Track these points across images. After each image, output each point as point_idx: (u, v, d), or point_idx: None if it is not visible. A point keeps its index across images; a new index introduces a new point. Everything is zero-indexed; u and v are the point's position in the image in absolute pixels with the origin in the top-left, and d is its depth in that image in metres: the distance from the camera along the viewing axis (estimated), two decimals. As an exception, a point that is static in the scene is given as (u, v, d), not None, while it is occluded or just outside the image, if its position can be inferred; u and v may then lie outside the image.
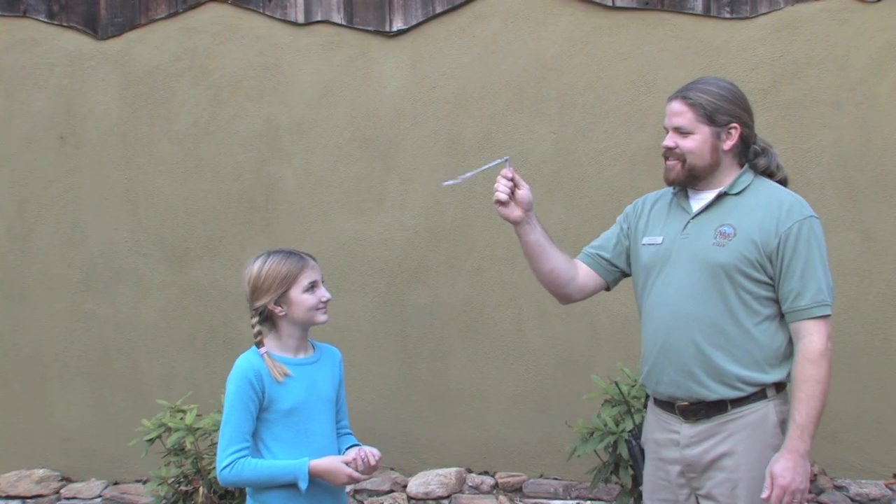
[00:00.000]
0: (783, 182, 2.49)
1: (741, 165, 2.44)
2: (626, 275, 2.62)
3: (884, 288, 3.91)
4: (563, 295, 2.59)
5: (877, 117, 3.90)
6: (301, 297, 2.36)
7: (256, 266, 2.39)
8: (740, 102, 2.41)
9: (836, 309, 3.82)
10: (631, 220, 2.59)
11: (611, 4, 4.09)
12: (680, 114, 2.39)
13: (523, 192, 2.46)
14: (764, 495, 2.26)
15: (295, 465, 2.30)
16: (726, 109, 2.37)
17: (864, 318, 3.92)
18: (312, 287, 2.38)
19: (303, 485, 2.29)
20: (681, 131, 2.39)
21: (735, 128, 2.39)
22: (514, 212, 2.46)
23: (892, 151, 3.90)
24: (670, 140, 2.41)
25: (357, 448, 2.44)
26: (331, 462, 2.33)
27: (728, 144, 2.39)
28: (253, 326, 2.39)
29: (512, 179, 2.45)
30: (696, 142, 2.37)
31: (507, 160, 2.48)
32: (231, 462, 2.29)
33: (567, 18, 4.14)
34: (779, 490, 2.24)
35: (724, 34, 4.01)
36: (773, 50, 3.97)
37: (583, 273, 2.59)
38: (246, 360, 2.37)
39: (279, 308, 2.36)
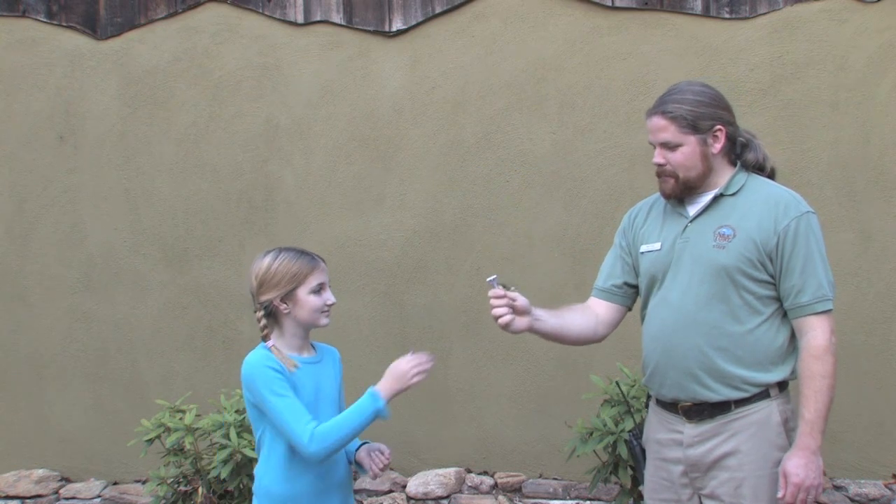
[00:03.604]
0: (772, 173, 2.48)
1: (732, 163, 2.44)
2: None
3: (883, 288, 3.91)
4: (596, 340, 2.60)
5: (876, 117, 3.90)
6: (307, 298, 2.35)
7: (267, 260, 2.38)
8: (719, 102, 2.40)
9: (835, 309, 3.84)
10: (628, 235, 2.57)
11: (610, 4, 4.09)
12: (663, 129, 2.37)
13: (519, 301, 2.36)
14: (779, 495, 2.26)
15: (365, 403, 2.26)
16: (708, 114, 2.36)
17: (863, 318, 3.92)
18: (320, 289, 2.37)
19: (385, 414, 2.25)
20: (668, 146, 2.38)
21: (720, 129, 2.38)
22: (520, 323, 2.38)
23: (891, 151, 3.90)
24: (659, 156, 2.40)
25: (366, 449, 2.44)
26: (392, 373, 2.29)
27: (717, 147, 2.38)
28: (259, 320, 2.37)
29: (504, 296, 2.34)
30: (685, 154, 2.36)
31: (494, 278, 2.36)
32: (310, 437, 2.24)
33: (567, 18, 4.14)
34: (793, 488, 2.24)
35: (723, 34, 4.01)
36: (772, 50, 3.97)
37: (602, 311, 2.57)
38: (258, 355, 2.34)
39: (284, 305, 2.35)
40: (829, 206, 3.91)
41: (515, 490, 4.18)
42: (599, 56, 4.11)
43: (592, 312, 2.57)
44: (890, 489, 3.86)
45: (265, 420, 2.33)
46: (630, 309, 2.63)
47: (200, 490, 3.44)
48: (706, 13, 4.02)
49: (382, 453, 2.42)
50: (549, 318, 2.46)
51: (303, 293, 2.35)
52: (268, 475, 2.34)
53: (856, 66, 3.91)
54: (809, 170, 3.95)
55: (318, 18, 4.33)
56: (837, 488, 3.88)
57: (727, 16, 4.01)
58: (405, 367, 2.30)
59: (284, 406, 2.25)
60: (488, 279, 2.35)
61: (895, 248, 3.90)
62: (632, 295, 2.59)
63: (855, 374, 3.90)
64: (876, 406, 3.92)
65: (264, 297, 2.36)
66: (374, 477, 2.43)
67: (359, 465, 2.49)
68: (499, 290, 2.32)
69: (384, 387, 2.29)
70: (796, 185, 3.90)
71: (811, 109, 3.95)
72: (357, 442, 2.51)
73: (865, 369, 3.91)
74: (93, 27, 4.51)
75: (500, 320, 2.34)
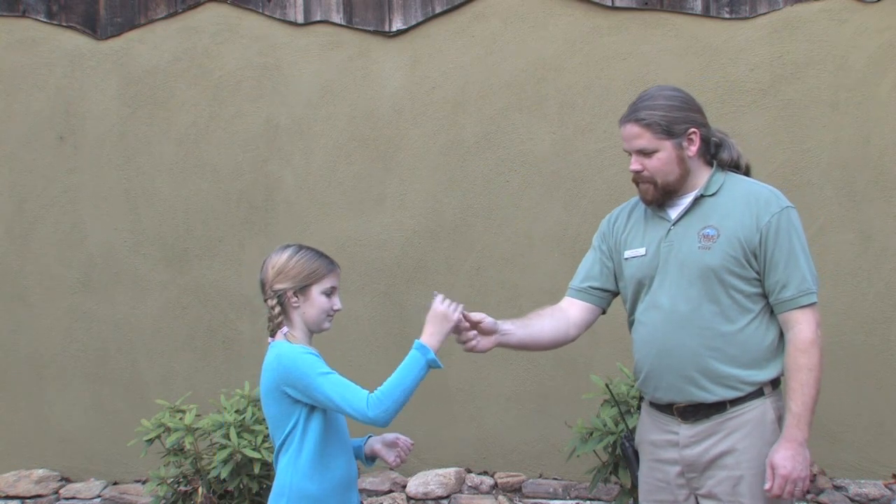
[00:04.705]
0: (747, 169, 2.49)
1: (708, 164, 2.45)
2: (617, 294, 2.60)
3: (882, 288, 3.91)
4: (567, 343, 2.60)
5: (876, 117, 3.90)
6: (318, 298, 2.38)
7: (288, 253, 2.40)
8: (691, 105, 2.41)
9: (835, 309, 3.86)
10: (609, 240, 2.57)
11: (610, 4, 4.09)
12: (638, 136, 2.38)
13: (485, 322, 2.39)
14: (766, 486, 2.27)
15: (414, 357, 2.26)
16: (681, 118, 2.37)
17: (863, 318, 3.92)
18: (331, 292, 2.40)
19: (439, 363, 2.26)
20: (644, 153, 2.38)
21: (694, 132, 2.38)
22: (486, 343, 2.42)
23: (891, 151, 3.90)
24: (636, 163, 2.40)
25: (380, 440, 2.49)
26: (433, 319, 2.30)
27: (692, 150, 2.39)
28: (272, 308, 2.38)
29: (467, 320, 2.37)
30: (662, 160, 2.37)
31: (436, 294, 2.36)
32: (367, 403, 2.23)
33: (567, 18, 4.14)
34: (780, 480, 2.25)
35: (723, 34, 4.01)
36: (772, 50, 3.97)
37: (575, 311, 2.57)
38: (288, 346, 2.34)
39: (295, 299, 2.37)
40: (829, 206, 3.91)
41: (515, 490, 4.18)
42: (599, 56, 4.11)
43: (563, 315, 2.56)
44: (890, 489, 3.86)
45: (296, 413, 2.31)
46: (604, 311, 2.63)
47: (200, 490, 3.44)
48: (706, 13, 4.02)
49: (406, 441, 2.47)
50: (516, 331, 2.48)
51: (315, 292, 2.37)
52: (299, 474, 2.33)
53: (856, 66, 3.91)
54: (809, 170, 3.95)
55: (318, 18, 4.33)
56: (837, 488, 3.88)
57: (727, 16, 4.01)
58: (442, 307, 2.31)
59: (334, 382, 2.26)
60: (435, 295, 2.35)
61: (895, 248, 3.90)
62: (607, 298, 2.59)
63: (855, 374, 3.90)
64: (876, 406, 3.92)
65: (278, 287, 2.37)
66: (400, 464, 2.47)
67: (369, 458, 2.52)
68: (460, 316, 2.32)
69: (429, 334, 2.29)
70: (796, 184, 3.91)
71: (811, 109, 3.95)
72: (360, 439, 2.53)
73: (865, 369, 3.91)
74: (93, 27, 4.51)
75: (465, 345, 2.39)
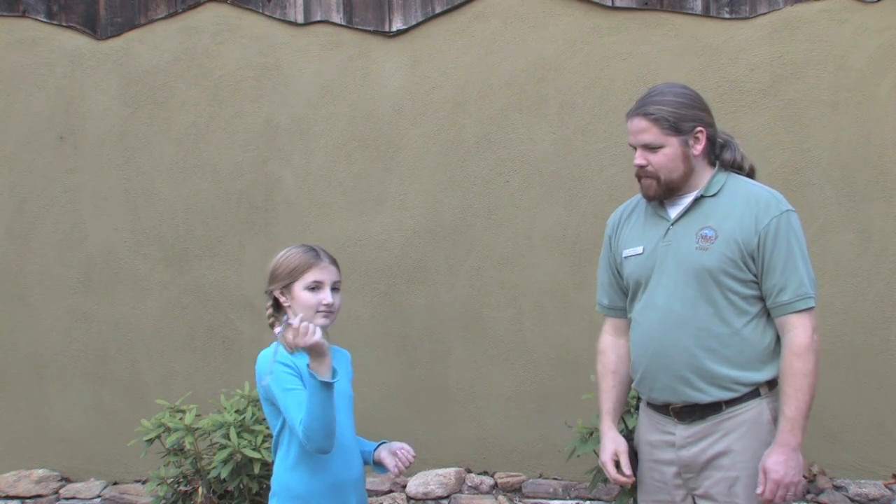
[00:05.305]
0: (751, 171, 2.49)
1: (712, 164, 2.45)
2: None
3: (883, 288, 3.91)
4: None
5: (876, 117, 3.90)
6: (301, 294, 2.37)
7: (280, 253, 2.44)
8: (699, 104, 2.41)
9: (835, 309, 3.86)
10: (613, 244, 2.58)
11: (610, 4, 4.09)
12: (645, 130, 2.37)
13: (626, 465, 2.47)
14: (758, 491, 2.27)
15: (309, 384, 2.20)
16: (689, 115, 2.37)
17: (863, 318, 3.91)
18: (316, 287, 2.37)
19: (328, 378, 2.19)
20: (650, 147, 2.37)
21: (701, 131, 2.38)
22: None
23: (891, 151, 3.90)
24: (640, 158, 2.39)
25: (387, 448, 2.48)
26: (317, 353, 2.21)
27: (698, 149, 2.39)
28: (266, 309, 2.43)
29: (625, 475, 2.47)
30: (667, 156, 2.36)
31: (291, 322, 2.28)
32: (302, 435, 2.23)
33: (567, 18, 4.14)
34: (772, 484, 2.25)
35: (723, 34, 4.01)
36: (772, 50, 3.97)
37: (626, 340, 2.57)
38: (269, 350, 2.35)
39: (283, 298, 2.38)
40: (829, 206, 3.91)
41: (515, 490, 4.18)
42: (599, 56, 4.11)
43: (624, 348, 2.56)
44: (890, 489, 3.86)
45: (281, 416, 2.34)
46: None
47: (200, 490, 3.44)
48: (706, 13, 4.02)
49: (409, 452, 2.47)
50: (619, 408, 2.55)
51: (298, 288, 2.37)
52: (287, 472, 2.34)
53: (856, 66, 3.91)
54: (809, 170, 3.95)
55: (318, 18, 4.33)
56: (837, 488, 3.88)
57: (727, 16, 4.01)
58: (303, 340, 2.19)
59: (290, 401, 2.26)
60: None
61: (895, 248, 3.90)
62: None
63: (855, 374, 3.90)
64: (876, 406, 3.92)
65: (268, 288, 2.42)
66: (399, 474, 2.48)
67: (376, 465, 2.51)
68: (619, 476, 2.45)
69: (313, 367, 2.22)
70: (796, 185, 3.92)
71: (811, 109, 3.95)
72: (373, 444, 2.53)
73: (865, 369, 3.91)
74: (93, 27, 4.51)
75: (622, 482, 2.47)
